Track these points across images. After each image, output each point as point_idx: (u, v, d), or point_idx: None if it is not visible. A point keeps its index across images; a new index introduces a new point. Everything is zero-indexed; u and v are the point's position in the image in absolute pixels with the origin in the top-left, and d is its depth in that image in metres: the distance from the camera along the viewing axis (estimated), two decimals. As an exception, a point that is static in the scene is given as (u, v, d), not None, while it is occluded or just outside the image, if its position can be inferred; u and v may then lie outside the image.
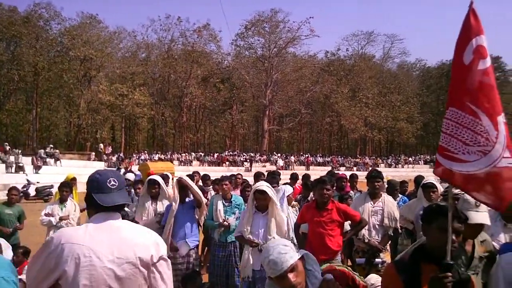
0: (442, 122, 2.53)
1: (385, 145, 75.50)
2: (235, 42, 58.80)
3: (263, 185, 5.13)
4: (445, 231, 2.32)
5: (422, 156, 61.00)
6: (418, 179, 7.76)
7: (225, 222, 6.21)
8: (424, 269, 2.33)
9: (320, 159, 52.50)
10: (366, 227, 5.52)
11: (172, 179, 9.35)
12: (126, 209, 6.63)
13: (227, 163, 45.48)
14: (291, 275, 2.28)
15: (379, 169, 6.67)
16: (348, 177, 9.07)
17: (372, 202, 5.70)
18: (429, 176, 6.99)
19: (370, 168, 44.80)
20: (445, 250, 2.30)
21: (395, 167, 52.74)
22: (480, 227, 3.31)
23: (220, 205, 6.42)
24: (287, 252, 2.32)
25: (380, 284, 3.46)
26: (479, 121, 2.42)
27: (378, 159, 57.95)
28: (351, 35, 70.84)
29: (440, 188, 5.69)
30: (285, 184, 7.48)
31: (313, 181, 6.47)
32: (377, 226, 5.60)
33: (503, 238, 3.77)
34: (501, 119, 2.44)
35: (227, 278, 6.08)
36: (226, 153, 50.29)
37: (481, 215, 3.32)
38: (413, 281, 2.31)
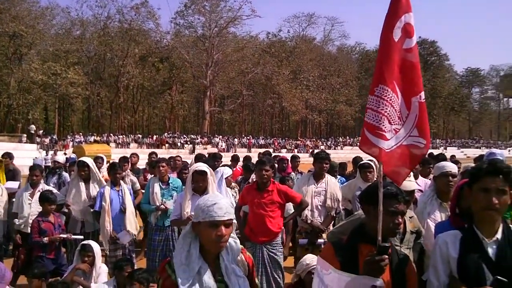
0: (369, 98, 2.50)
1: (325, 127, 77.29)
2: (174, 20, 57.48)
3: (201, 166, 4.94)
4: (388, 213, 2.32)
5: (360, 138, 62.85)
6: (357, 160, 7.85)
7: (162, 206, 6.05)
8: (362, 250, 2.32)
9: (262, 141, 52.83)
10: (309, 208, 5.55)
11: (108, 162, 8.97)
12: (55, 191, 6.36)
13: (166, 145, 44.74)
14: (227, 229, 2.16)
15: (317, 151, 6.74)
16: (291, 158, 9.07)
17: (315, 183, 5.73)
18: (368, 156, 7.10)
19: (311, 150, 46.05)
20: (386, 231, 2.29)
21: (335, 148, 54.06)
22: (413, 193, 3.57)
23: (157, 188, 6.26)
24: (232, 207, 2.24)
25: (315, 264, 3.48)
26: (397, 99, 2.49)
27: (318, 141, 59.22)
28: (292, 16, 71.75)
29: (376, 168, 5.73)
30: (225, 165, 7.33)
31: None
32: (319, 207, 5.63)
33: (438, 216, 3.87)
34: (416, 99, 2.50)
35: None
36: (165, 135, 49.34)
37: (413, 183, 3.61)
38: (350, 261, 2.29)
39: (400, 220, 2.36)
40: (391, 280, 2.28)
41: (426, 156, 6.14)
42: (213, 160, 7.97)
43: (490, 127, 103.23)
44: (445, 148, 61.25)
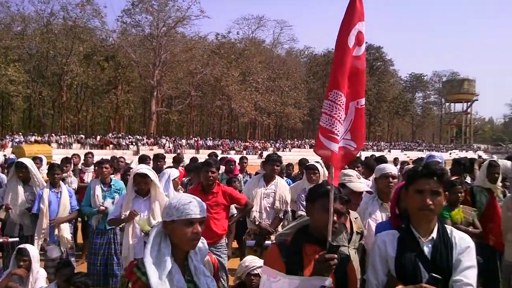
0: (324, 103, 2.55)
1: (274, 129, 77.92)
2: (121, 18, 55.97)
3: (143, 168, 4.84)
4: (327, 211, 2.35)
5: (308, 140, 63.86)
6: (303, 162, 7.94)
7: (101, 207, 5.93)
8: (307, 250, 2.35)
9: (210, 143, 52.57)
10: (258, 209, 5.60)
11: (48, 163, 8.63)
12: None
13: (111, 146, 43.67)
14: (201, 227, 2.16)
15: (266, 153, 6.84)
16: (239, 160, 9.09)
17: (265, 185, 5.77)
18: (314, 158, 7.23)
19: (260, 152, 46.32)
20: (326, 231, 2.33)
21: (283, 150, 54.55)
22: (361, 195, 3.59)
23: (98, 190, 6.12)
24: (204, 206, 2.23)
25: (254, 265, 3.56)
26: (348, 104, 2.58)
27: (267, 143, 59.62)
28: (242, 18, 71.97)
29: (322, 170, 5.82)
30: (169, 167, 7.22)
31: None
32: (268, 208, 5.67)
33: (379, 216, 3.97)
34: (353, 104, 2.59)
35: (106, 267, 5.83)
36: (110, 136, 48.08)
37: (363, 185, 3.62)
38: (295, 262, 2.32)
39: (337, 218, 2.40)
40: (334, 280, 2.30)
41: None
42: (156, 161, 7.86)
43: (432, 131, 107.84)
44: (389, 151, 63.37)
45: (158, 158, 8.11)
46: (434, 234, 2.27)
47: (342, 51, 2.54)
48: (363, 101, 2.64)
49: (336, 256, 2.19)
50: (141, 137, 49.30)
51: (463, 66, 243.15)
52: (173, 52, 55.12)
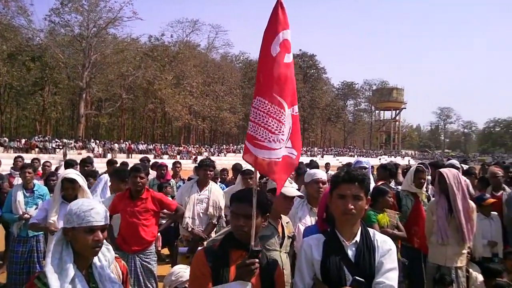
0: (251, 111, 2.57)
1: (209, 134, 77.49)
2: (49, 17, 53.27)
3: (71, 173, 4.65)
4: (243, 217, 2.41)
5: (243, 145, 63.90)
6: (237, 167, 7.94)
7: (25, 215, 5.67)
8: (233, 256, 2.38)
9: (142, 147, 51.37)
10: (190, 215, 5.56)
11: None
12: None
13: (36, 149, 41.45)
14: (103, 234, 2.16)
15: (201, 157, 6.88)
16: (172, 165, 8.96)
17: (199, 191, 5.74)
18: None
19: (194, 157, 45.90)
20: (239, 235, 2.38)
21: (218, 155, 54.40)
22: (293, 200, 3.59)
23: (20, 195, 5.85)
24: (108, 212, 2.23)
25: (181, 279, 3.50)
26: (283, 111, 2.57)
27: (202, 147, 59.17)
28: (176, 21, 70.74)
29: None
30: (105, 172, 7.01)
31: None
32: (201, 214, 5.64)
33: (309, 221, 4.08)
34: (290, 111, 2.63)
35: (29, 276, 5.55)
36: (35, 139, 45.66)
37: (294, 190, 3.61)
38: (221, 266, 2.34)
39: (241, 223, 2.43)
40: (260, 285, 2.34)
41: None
42: (83, 166, 7.58)
43: (363, 137, 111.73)
44: (322, 156, 64.96)
45: (85, 163, 7.85)
46: (357, 238, 2.34)
47: (266, 59, 2.58)
48: (296, 108, 2.69)
49: (257, 261, 2.22)
50: (68, 141, 47.23)
51: (392, 75, 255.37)
52: (103, 53, 53.19)
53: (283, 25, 2.61)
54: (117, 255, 2.42)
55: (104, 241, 2.24)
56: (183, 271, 3.50)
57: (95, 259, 2.19)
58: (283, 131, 2.57)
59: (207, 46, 76.05)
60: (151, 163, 9.85)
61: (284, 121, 2.58)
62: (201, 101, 62.34)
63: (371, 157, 72.39)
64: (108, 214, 2.19)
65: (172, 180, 8.28)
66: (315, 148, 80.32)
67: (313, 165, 7.90)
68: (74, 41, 52.98)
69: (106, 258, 2.27)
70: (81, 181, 4.58)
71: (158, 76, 57.11)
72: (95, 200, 2.60)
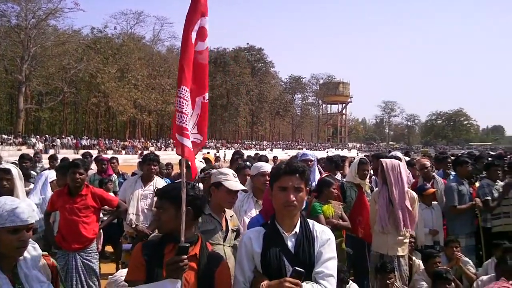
0: (176, 101, 2.57)
1: (155, 128, 76.19)
2: (-17, 7, 50.57)
3: (7, 164, 4.56)
4: (164, 210, 2.42)
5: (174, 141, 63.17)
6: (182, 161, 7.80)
7: None
8: (168, 250, 2.37)
9: (85, 142, 49.82)
10: (134, 211, 5.50)
11: None
12: None
13: (-28, 146, 39.33)
14: (28, 233, 2.12)
15: (147, 152, 6.78)
16: (109, 160, 8.66)
17: (143, 186, 5.68)
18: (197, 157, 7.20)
19: (140, 151, 44.99)
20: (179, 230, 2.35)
21: (165, 150, 53.58)
22: (237, 194, 3.57)
23: None
24: (34, 211, 2.19)
25: (124, 284, 3.41)
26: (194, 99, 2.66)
27: (148, 142, 58.15)
28: (119, 13, 68.95)
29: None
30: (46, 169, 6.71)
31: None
32: (145, 210, 5.57)
33: (254, 213, 4.06)
34: (200, 99, 2.69)
35: None
36: (-30, 135, 43.32)
37: (239, 183, 3.60)
38: (155, 260, 2.34)
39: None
40: (197, 282, 2.33)
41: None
42: (21, 162, 7.26)
43: (311, 130, 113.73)
44: (271, 150, 65.54)
45: (24, 160, 7.51)
46: (297, 229, 2.34)
47: (187, 47, 2.58)
48: (207, 95, 2.73)
49: (184, 257, 2.21)
50: (7, 136, 45.06)
51: (338, 70, 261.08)
52: (43, 45, 50.93)
53: (203, 11, 2.62)
54: (45, 253, 2.34)
55: (30, 239, 2.17)
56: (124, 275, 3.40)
57: (21, 259, 2.12)
58: (194, 120, 2.66)
59: (152, 39, 74.55)
60: (93, 158, 9.50)
61: (194, 109, 2.65)
62: (147, 94, 61.00)
63: (319, 150, 73.77)
64: (35, 212, 2.06)
65: (114, 175, 8.04)
66: (264, 142, 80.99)
67: (263, 160, 7.90)
68: (12, 32, 50.24)
69: (33, 257, 2.19)
70: (16, 173, 4.30)
71: (101, 69, 55.32)
72: (18, 199, 2.45)
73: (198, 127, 2.71)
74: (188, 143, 2.55)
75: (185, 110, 2.54)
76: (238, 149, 48.31)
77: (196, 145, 2.70)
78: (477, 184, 6.76)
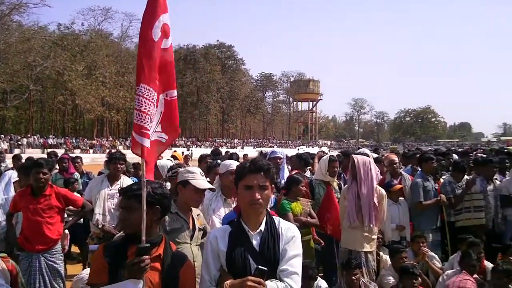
0: (135, 99, 2.53)
1: (124, 126, 75.06)
2: None
3: None
4: (131, 210, 2.39)
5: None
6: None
7: None
8: (131, 251, 2.34)
9: (52, 141, 48.69)
10: (101, 211, 5.42)
11: None
12: None
13: None
14: None
15: (123, 151, 6.66)
16: (72, 159, 8.49)
17: (109, 186, 5.59)
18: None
19: (108, 150, 44.34)
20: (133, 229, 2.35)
21: (134, 148, 52.81)
22: (204, 192, 3.54)
23: None
24: None
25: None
26: (159, 98, 2.61)
27: (116, 140, 57.28)
28: (87, 9, 67.42)
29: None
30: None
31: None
32: (112, 210, 5.48)
33: (223, 212, 4.06)
34: (163, 96, 2.64)
35: None
36: None
37: (206, 182, 3.58)
38: (118, 262, 2.30)
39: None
40: (161, 282, 2.32)
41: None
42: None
43: (282, 128, 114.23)
44: (242, 147, 65.52)
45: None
46: (262, 227, 2.34)
47: (148, 44, 2.54)
48: (174, 92, 2.69)
49: (146, 257, 2.20)
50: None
51: (309, 68, 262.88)
52: (7, 42, 49.28)
53: (163, 8, 2.58)
54: (4, 255, 2.24)
55: None
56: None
57: None
58: (157, 119, 2.60)
59: (121, 35, 73.29)
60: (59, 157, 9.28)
61: (158, 107, 2.59)
62: (115, 92, 59.92)
63: (290, 147, 74.20)
64: None
65: (76, 173, 7.88)
66: (235, 140, 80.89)
67: (234, 158, 7.89)
68: (-28, 28, 48.74)
69: None
70: None
71: (69, 67, 53.99)
72: None
73: (162, 125, 2.66)
74: (147, 143, 2.51)
75: (145, 109, 2.49)
76: (216, 147, 48.17)
77: (161, 144, 2.66)
78: (442, 180, 6.91)
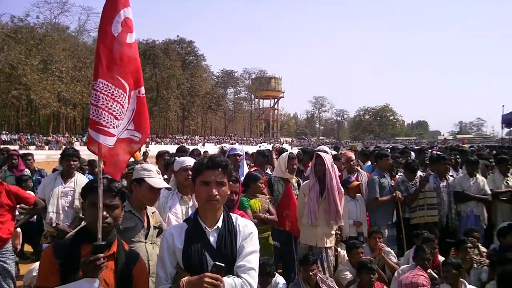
0: (92, 94, 2.45)
1: (81, 122, 73.26)
2: None
3: None
4: (95, 206, 2.34)
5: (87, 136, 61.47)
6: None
7: None
8: (84, 250, 2.30)
9: (5, 137, 47.02)
10: (54, 209, 5.30)
11: None
12: None
13: None
14: None
15: (77, 147, 6.46)
16: (22, 157, 8.19)
17: (63, 183, 5.48)
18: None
19: (64, 147, 43.20)
20: (93, 224, 2.30)
21: (91, 145, 51.67)
22: (159, 191, 3.50)
23: None
24: None
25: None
26: (125, 94, 2.52)
27: (73, 137, 55.92)
28: (42, 1, 65.35)
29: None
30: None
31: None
32: (66, 208, 5.39)
33: (179, 210, 4.02)
34: (135, 93, 2.58)
35: None
36: None
37: (162, 180, 3.51)
38: (70, 262, 2.26)
39: (104, 213, 2.36)
40: (115, 281, 2.30)
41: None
42: None
43: (244, 125, 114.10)
44: (203, 144, 65.08)
45: None
46: (219, 223, 2.33)
47: (107, 39, 2.48)
48: (143, 89, 2.63)
49: (101, 256, 2.17)
50: None
51: (270, 65, 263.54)
52: (-45, 34, 47.46)
53: (124, 2, 2.51)
54: None
55: None
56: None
57: None
58: (122, 116, 2.52)
59: (78, 29, 71.54)
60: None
61: (125, 104, 2.51)
62: (72, 87, 58.33)
63: (252, 144, 74.20)
64: None
65: (26, 170, 7.65)
66: (196, 137, 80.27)
67: (195, 154, 7.83)
68: None
69: None
70: None
71: (23, 60, 52.23)
72: None
73: (135, 123, 2.60)
74: (104, 140, 2.44)
75: (102, 104, 2.42)
76: (177, 143, 47.69)
77: (134, 142, 2.61)
78: (397, 177, 7.08)
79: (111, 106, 2.45)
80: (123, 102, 2.51)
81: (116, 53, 2.47)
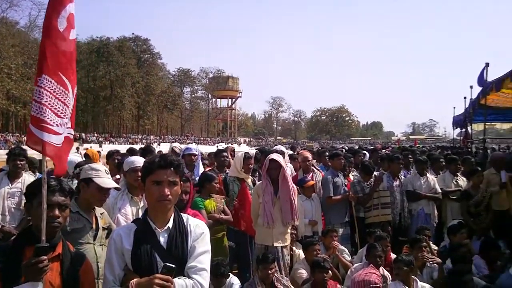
0: (35, 90, 2.38)
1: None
2: None
3: None
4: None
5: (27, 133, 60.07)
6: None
7: None
8: (27, 253, 2.19)
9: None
10: (0, 211, 5.21)
11: None
12: None
13: None
14: None
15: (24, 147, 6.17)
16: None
17: (10, 183, 5.37)
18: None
19: (14, 146, 41.59)
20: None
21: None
22: (108, 191, 3.44)
23: None
24: None
25: None
26: (67, 92, 2.46)
27: (23, 136, 54.01)
28: (-11, -4, 62.62)
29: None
30: None
31: None
32: (13, 209, 5.30)
33: (129, 211, 3.99)
34: (75, 91, 2.55)
35: None
36: None
37: (111, 180, 3.45)
38: (12, 266, 2.17)
39: (56, 212, 2.29)
40: (61, 283, 2.24)
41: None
42: None
43: (201, 125, 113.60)
44: (159, 144, 64.15)
45: None
46: (170, 224, 2.30)
47: (52, 34, 2.41)
48: (75, 87, 2.60)
49: (44, 258, 2.09)
50: None
51: (228, 64, 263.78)
52: None
53: None
54: None
55: None
56: None
57: None
58: (67, 115, 2.47)
59: (29, 25, 69.02)
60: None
61: (68, 103, 2.47)
62: (22, 85, 56.30)
63: (209, 144, 73.86)
64: None
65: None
66: (152, 136, 79.14)
67: (149, 150, 7.65)
68: None
69: None
70: None
71: (-32, 57, 50.11)
72: None
73: (71, 121, 2.56)
74: (48, 138, 2.36)
75: (45, 101, 2.34)
76: (149, 144, 46.78)
77: (70, 140, 2.56)
78: (351, 176, 7.20)
79: (53, 103, 2.39)
80: (65, 100, 2.45)
81: (60, 49, 2.41)
